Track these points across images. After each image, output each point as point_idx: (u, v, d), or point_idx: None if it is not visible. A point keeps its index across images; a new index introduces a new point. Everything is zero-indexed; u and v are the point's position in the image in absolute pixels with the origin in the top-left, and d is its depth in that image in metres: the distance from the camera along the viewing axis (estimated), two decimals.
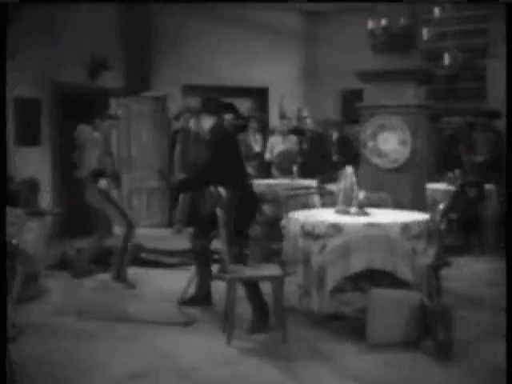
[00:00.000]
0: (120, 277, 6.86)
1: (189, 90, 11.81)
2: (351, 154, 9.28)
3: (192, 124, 10.49)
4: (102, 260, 7.74)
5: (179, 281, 6.72)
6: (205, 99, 6.01)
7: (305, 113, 11.07)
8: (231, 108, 12.14)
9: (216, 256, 8.07)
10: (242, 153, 6.04)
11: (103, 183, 6.88)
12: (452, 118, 10.58)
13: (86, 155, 6.89)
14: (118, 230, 8.79)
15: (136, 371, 4.44)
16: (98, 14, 10.24)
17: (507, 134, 6.09)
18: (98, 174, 6.88)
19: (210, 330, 5.32)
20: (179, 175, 10.10)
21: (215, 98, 6.22)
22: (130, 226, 6.87)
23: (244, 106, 12.97)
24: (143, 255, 8.06)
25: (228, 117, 10.96)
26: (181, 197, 10.32)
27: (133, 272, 7.11)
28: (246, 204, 5.62)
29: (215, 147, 5.63)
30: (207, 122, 5.79)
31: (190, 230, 9.86)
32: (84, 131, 7.03)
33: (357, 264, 5.18)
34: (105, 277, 7.18)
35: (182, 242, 9.09)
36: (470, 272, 7.50)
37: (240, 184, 5.66)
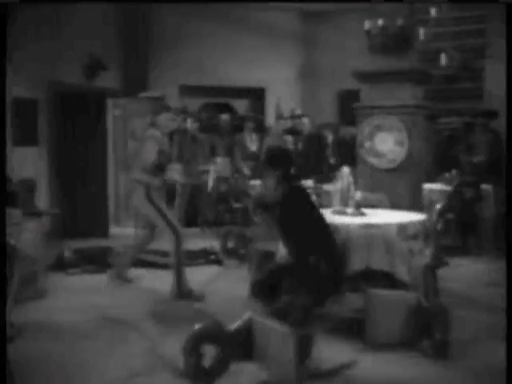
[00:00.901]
0: (183, 293, 6.31)
1: (186, 90, 11.83)
2: (347, 156, 9.30)
3: (188, 124, 10.54)
4: (99, 260, 7.76)
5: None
6: (269, 151, 5.37)
7: (298, 111, 11.08)
8: (229, 108, 12.19)
9: (213, 256, 8.14)
10: (319, 213, 5.04)
11: (157, 181, 6.37)
12: (450, 118, 10.60)
13: (143, 154, 6.43)
14: (114, 230, 8.79)
15: (134, 371, 4.44)
16: (95, 14, 10.25)
17: (507, 133, 6.08)
18: (157, 170, 6.38)
19: None
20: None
21: (283, 150, 5.60)
22: (178, 238, 6.28)
23: (241, 106, 13.00)
24: (141, 255, 8.05)
25: (225, 117, 11.01)
26: (177, 197, 10.32)
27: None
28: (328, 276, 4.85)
29: (289, 215, 4.85)
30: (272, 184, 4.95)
31: (188, 230, 10.03)
32: (141, 127, 6.83)
33: (354, 264, 5.18)
34: (100, 277, 7.19)
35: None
36: (467, 272, 7.51)
37: (325, 249, 4.91)
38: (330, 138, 10.19)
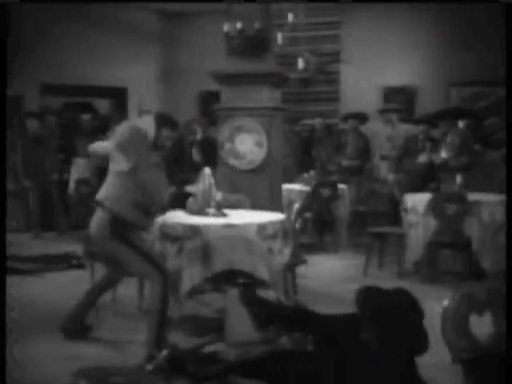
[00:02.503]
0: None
1: (47, 89, 11.51)
2: (212, 155, 9.36)
3: (29, 124, 10.19)
4: None
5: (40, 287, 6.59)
6: None
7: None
8: (90, 108, 11.96)
9: (75, 260, 7.95)
10: None
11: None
12: (310, 120, 10.90)
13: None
14: None
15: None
16: None
17: (507, 134, 6.14)
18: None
19: None
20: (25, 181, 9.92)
21: None
22: (165, 277, 4.75)
23: (103, 106, 12.80)
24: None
25: (86, 117, 10.79)
26: (31, 200, 10.06)
27: None
28: None
29: None
30: None
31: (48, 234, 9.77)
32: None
33: (215, 265, 5.23)
34: None
35: (40, 247, 8.89)
36: (325, 269, 7.76)
37: None
38: (199, 133, 10.24)
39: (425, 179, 8.60)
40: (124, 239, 4.72)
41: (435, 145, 8.91)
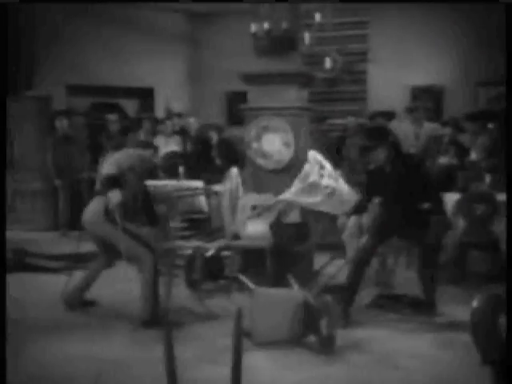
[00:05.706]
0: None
1: (74, 89, 11.60)
2: (232, 156, 9.33)
3: (58, 124, 10.28)
4: None
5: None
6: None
7: (177, 111, 11.06)
8: (117, 108, 12.03)
9: None
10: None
11: (115, 196, 5.34)
12: (339, 119, 10.86)
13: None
14: None
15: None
16: None
17: (507, 134, 6.10)
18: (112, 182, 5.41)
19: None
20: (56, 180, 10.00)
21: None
22: (153, 255, 5.34)
23: (130, 106, 12.88)
24: (27, 260, 7.86)
25: (113, 117, 10.85)
26: (61, 199, 10.13)
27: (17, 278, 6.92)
28: None
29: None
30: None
31: (76, 233, 9.82)
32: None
33: None
34: None
35: (67, 245, 8.94)
36: None
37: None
38: (214, 138, 10.23)
39: (443, 181, 8.49)
40: (115, 223, 5.31)
41: (460, 150, 8.83)
